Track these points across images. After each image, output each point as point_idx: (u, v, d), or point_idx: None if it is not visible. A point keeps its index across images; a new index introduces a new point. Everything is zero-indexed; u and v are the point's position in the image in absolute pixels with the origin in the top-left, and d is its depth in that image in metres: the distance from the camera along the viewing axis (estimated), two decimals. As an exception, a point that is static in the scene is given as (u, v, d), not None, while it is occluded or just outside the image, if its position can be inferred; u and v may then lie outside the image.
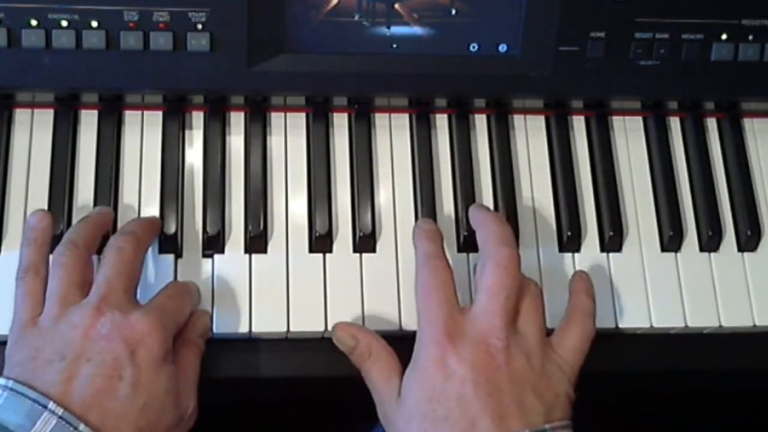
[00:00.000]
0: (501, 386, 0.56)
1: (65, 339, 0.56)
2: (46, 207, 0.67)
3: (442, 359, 0.57)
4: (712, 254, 0.72)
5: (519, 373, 0.57)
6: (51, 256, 0.61)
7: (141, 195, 0.69)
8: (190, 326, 0.63)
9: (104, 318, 0.56)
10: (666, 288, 0.70)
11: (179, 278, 0.66)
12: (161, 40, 0.65)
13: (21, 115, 0.70)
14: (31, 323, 0.58)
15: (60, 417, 0.53)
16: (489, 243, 0.62)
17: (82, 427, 0.53)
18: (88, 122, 0.70)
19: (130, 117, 0.71)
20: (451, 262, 0.65)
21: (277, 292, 0.67)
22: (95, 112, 0.70)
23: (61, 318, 0.57)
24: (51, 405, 0.53)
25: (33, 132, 0.70)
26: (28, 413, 0.53)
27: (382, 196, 0.71)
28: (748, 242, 0.72)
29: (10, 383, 0.54)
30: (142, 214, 0.68)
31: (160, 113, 0.71)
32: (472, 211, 0.67)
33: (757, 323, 0.70)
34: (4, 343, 0.63)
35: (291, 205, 0.70)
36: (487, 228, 0.63)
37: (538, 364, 0.59)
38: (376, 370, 0.61)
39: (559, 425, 0.57)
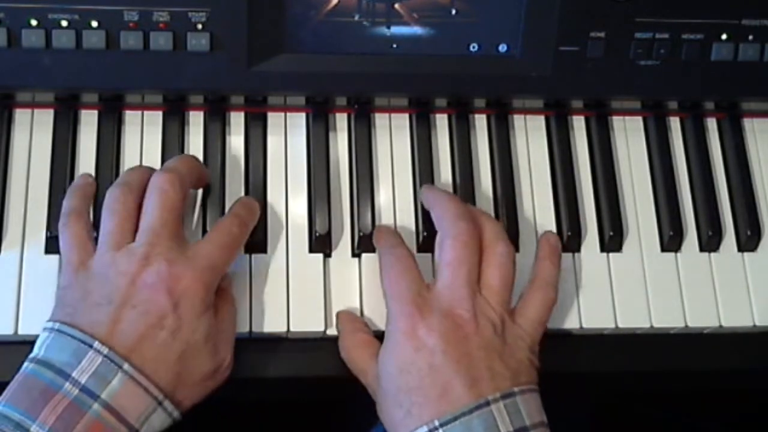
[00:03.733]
0: (471, 353, 0.58)
1: (114, 285, 0.57)
2: (46, 207, 0.67)
3: (412, 331, 0.59)
4: (712, 254, 0.72)
5: (487, 340, 0.59)
6: (106, 197, 0.62)
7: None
8: (229, 284, 0.64)
9: (151, 268, 0.57)
10: (666, 288, 0.70)
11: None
12: (161, 40, 0.65)
13: (21, 115, 0.70)
14: (83, 267, 0.59)
15: (105, 356, 0.55)
16: (445, 220, 0.63)
17: (126, 366, 0.55)
18: (88, 122, 0.70)
19: (130, 117, 0.71)
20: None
21: (277, 292, 0.67)
22: (95, 112, 0.70)
23: (112, 263, 0.58)
24: (96, 344, 0.55)
25: (33, 132, 0.70)
26: (75, 352, 0.55)
27: (382, 196, 0.71)
28: (748, 242, 0.72)
29: (57, 325, 0.56)
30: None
31: (160, 113, 0.71)
32: (424, 193, 0.68)
33: (757, 323, 0.70)
34: (6, 343, 0.64)
35: (291, 205, 0.70)
36: (441, 206, 0.65)
37: (502, 332, 0.60)
38: (362, 354, 0.63)
39: (526, 389, 0.58)
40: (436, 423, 0.56)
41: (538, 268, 0.66)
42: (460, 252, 0.61)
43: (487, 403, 0.56)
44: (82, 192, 0.65)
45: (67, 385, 0.54)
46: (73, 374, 0.54)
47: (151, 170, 0.64)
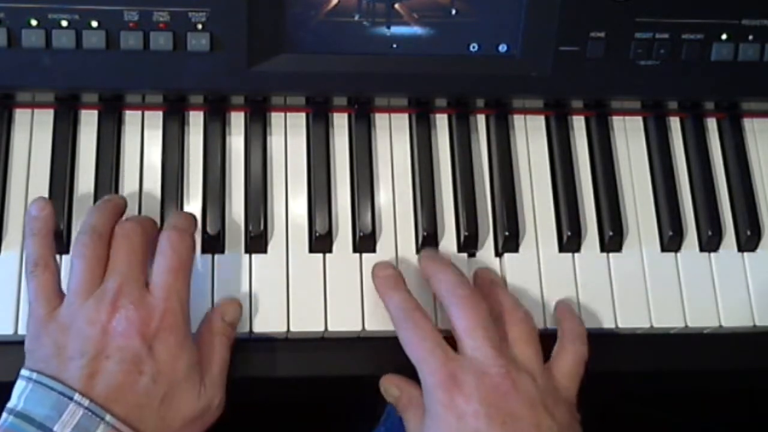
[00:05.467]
0: (514, 412, 0.57)
1: (84, 336, 0.56)
2: (46, 207, 0.67)
3: (450, 401, 0.58)
4: (712, 254, 0.72)
5: (527, 393, 0.58)
6: (74, 243, 0.61)
7: (141, 195, 0.69)
8: (218, 314, 0.64)
9: (119, 314, 0.57)
10: (666, 288, 0.70)
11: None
12: (161, 40, 0.65)
13: (21, 115, 0.70)
14: (49, 317, 0.58)
15: (86, 408, 0.54)
16: (443, 290, 0.63)
17: (108, 417, 0.54)
18: (88, 122, 0.70)
19: (130, 117, 0.71)
20: (451, 261, 0.65)
21: (277, 292, 0.67)
22: (95, 112, 0.70)
23: (81, 312, 0.57)
24: (77, 396, 0.54)
25: (33, 132, 0.70)
26: (55, 404, 0.54)
27: (382, 196, 0.71)
28: (748, 242, 0.72)
29: (35, 375, 0.56)
30: (143, 214, 0.68)
31: (160, 113, 0.71)
32: (423, 262, 0.67)
33: (757, 323, 0.70)
34: (6, 343, 0.64)
35: (291, 205, 0.70)
36: (438, 277, 0.64)
37: (543, 383, 0.59)
38: (413, 417, 0.62)
39: None
40: None
41: (563, 325, 0.65)
42: (472, 316, 0.60)
43: None
44: (45, 231, 0.61)
45: None
46: (55, 428, 0.53)
47: (115, 210, 0.63)
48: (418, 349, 0.60)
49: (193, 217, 0.65)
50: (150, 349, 0.57)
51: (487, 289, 0.66)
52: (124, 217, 0.64)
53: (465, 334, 0.60)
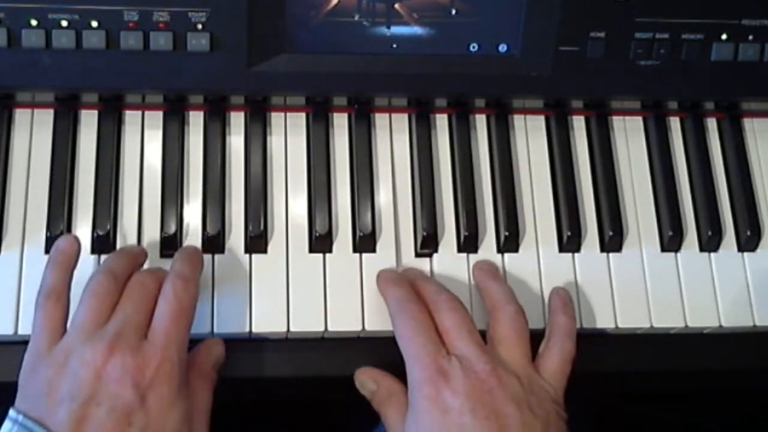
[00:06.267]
0: (498, 408, 0.57)
1: (78, 377, 0.55)
2: (46, 207, 0.67)
3: (436, 395, 0.58)
4: (712, 254, 0.72)
5: (512, 391, 0.58)
6: (89, 281, 0.60)
7: (141, 195, 0.69)
8: (204, 356, 0.63)
9: (115, 360, 0.55)
10: (666, 288, 0.70)
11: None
12: (161, 40, 0.65)
13: (21, 115, 0.70)
14: (47, 351, 0.57)
15: None
16: (428, 299, 0.63)
17: None
18: (88, 122, 0.70)
19: (130, 117, 0.71)
20: (451, 262, 0.65)
21: (277, 292, 0.67)
22: (95, 112, 0.70)
23: (77, 351, 0.56)
24: None
25: (33, 132, 0.70)
26: None
27: (382, 196, 0.71)
28: (748, 242, 0.72)
29: (20, 418, 0.54)
30: (143, 214, 0.68)
31: (160, 113, 0.71)
32: (407, 277, 0.67)
33: (757, 323, 0.70)
34: (6, 343, 0.64)
35: (291, 205, 0.70)
36: (420, 284, 0.65)
37: (528, 383, 0.60)
38: (393, 412, 0.62)
39: None
40: None
41: (554, 321, 0.65)
42: (457, 319, 0.61)
43: None
44: (66, 265, 0.61)
45: None
46: None
47: (135, 258, 0.63)
48: (411, 343, 0.61)
49: (200, 260, 0.64)
50: (142, 400, 0.55)
51: (483, 283, 0.66)
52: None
53: (452, 335, 0.61)
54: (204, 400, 0.61)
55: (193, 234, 0.68)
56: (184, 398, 0.58)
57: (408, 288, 0.64)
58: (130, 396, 0.55)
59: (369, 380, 0.64)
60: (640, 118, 0.76)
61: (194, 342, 0.66)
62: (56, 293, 0.59)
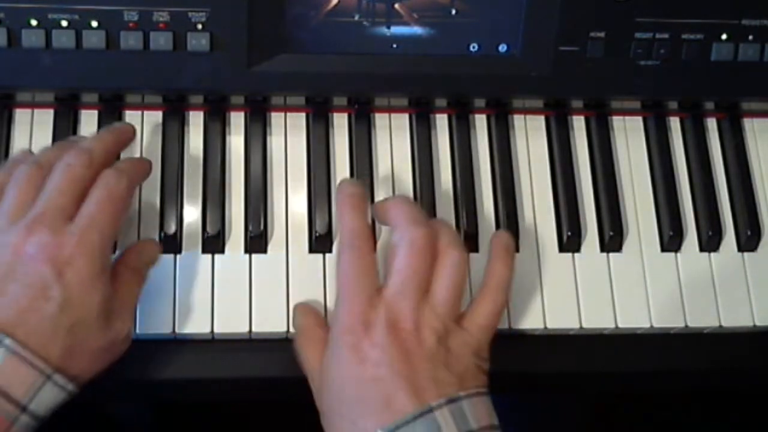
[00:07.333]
0: (414, 365, 0.57)
1: None
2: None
3: (357, 344, 0.58)
4: (712, 254, 0.72)
5: (430, 351, 0.58)
6: (15, 172, 0.59)
7: (141, 195, 0.69)
8: (136, 254, 0.63)
9: (33, 238, 0.55)
10: (666, 288, 0.70)
11: (179, 279, 0.66)
12: (161, 40, 0.65)
13: (21, 115, 0.70)
14: None
15: None
16: (400, 224, 0.61)
17: (8, 341, 0.53)
18: (88, 122, 0.70)
19: (130, 117, 0.71)
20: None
21: (277, 292, 0.67)
22: (95, 112, 0.71)
23: (0, 235, 0.56)
24: None
25: (33, 132, 0.70)
26: None
27: (383, 196, 0.70)
28: (748, 242, 0.72)
29: None
30: (142, 214, 0.68)
31: (160, 113, 0.71)
32: (377, 205, 0.66)
33: (757, 323, 0.70)
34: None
35: (291, 205, 0.70)
36: (397, 209, 0.63)
37: (446, 341, 0.59)
38: (314, 351, 0.62)
39: (473, 392, 0.57)
40: None
41: (489, 270, 0.64)
42: (414, 260, 0.59)
43: (431, 410, 0.55)
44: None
45: None
46: None
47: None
48: (349, 283, 0.60)
49: (147, 164, 0.64)
50: (59, 275, 0.55)
51: (436, 225, 0.63)
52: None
53: (398, 274, 0.59)
54: (129, 292, 0.61)
55: (193, 234, 0.68)
56: (106, 284, 0.57)
57: (364, 220, 0.62)
58: (46, 271, 0.54)
59: (300, 315, 0.64)
60: (640, 118, 0.76)
61: (194, 342, 0.66)
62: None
